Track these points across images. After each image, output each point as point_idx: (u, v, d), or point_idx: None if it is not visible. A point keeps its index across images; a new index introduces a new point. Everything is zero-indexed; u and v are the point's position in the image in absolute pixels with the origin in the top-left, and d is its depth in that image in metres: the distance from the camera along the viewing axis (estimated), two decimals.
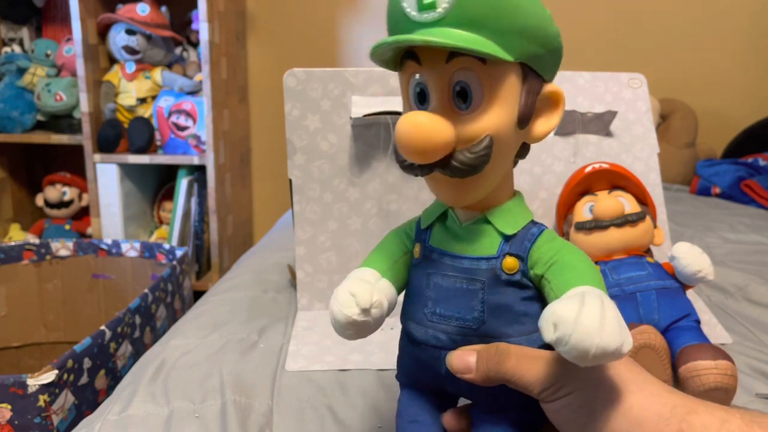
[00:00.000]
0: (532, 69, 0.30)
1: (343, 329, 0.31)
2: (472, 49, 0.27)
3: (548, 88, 0.31)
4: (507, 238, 0.31)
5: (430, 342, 0.32)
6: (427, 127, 0.28)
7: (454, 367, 0.31)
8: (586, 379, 0.29)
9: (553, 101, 0.31)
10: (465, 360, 0.31)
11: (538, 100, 0.31)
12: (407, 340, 0.34)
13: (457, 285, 0.32)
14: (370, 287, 0.31)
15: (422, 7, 0.28)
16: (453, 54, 0.28)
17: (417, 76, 0.30)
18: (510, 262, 0.31)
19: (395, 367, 0.37)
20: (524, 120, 0.30)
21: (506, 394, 0.31)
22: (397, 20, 0.29)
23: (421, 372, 0.34)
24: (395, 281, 0.34)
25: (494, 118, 0.29)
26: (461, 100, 0.29)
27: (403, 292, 0.36)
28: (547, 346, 0.32)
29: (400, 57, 0.31)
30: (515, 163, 0.34)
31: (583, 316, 0.25)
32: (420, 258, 0.34)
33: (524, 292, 0.31)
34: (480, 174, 0.30)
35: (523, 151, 0.33)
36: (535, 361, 0.30)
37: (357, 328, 0.31)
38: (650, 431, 0.27)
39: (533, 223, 0.32)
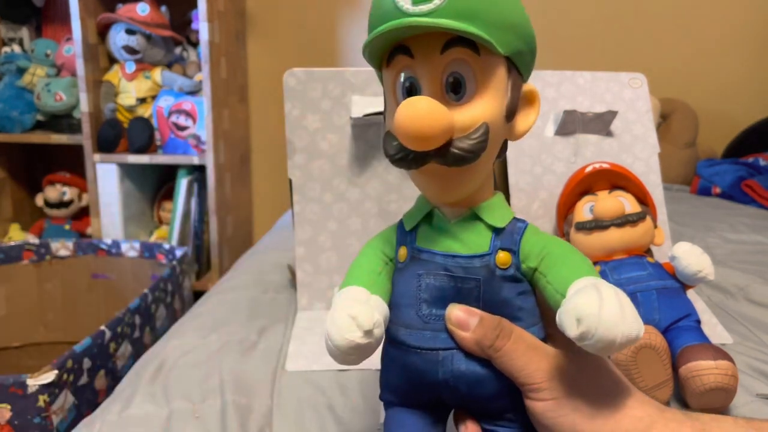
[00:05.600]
0: (515, 65, 0.31)
1: (345, 355, 0.29)
2: (478, 35, 0.27)
3: (526, 86, 0.32)
4: (497, 233, 0.31)
5: (427, 345, 0.31)
6: (430, 111, 0.27)
7: (452, 319, 0.30)
8: (573, 389, 0.29)
9: (530, 99, 0.32)
10: (466, 318, 0.30)
11: (520, 97, 0.31)
12: (397, 350, 0.32)
13: (451, 284, 0.31)
14: (367, 307, 0.30)
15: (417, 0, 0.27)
16: (447, 45, 0.28)
17: (406, 71, 0.30)
18: (503, 257, 0.31)
19: None
20: (511, 113, 0.31)
21: (505, 396, 0.31)
22: (386, 14, 0.29)
23: (414, 382, 0.32)
24: (383, 294, 0.32)
25: (487, 107, 0.29)
26: (454, 92, 0.29)
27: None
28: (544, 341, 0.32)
29: (389, 53, 0.30)
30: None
31: (605, 307, 0.26)
32: (407, 261, 0.33)
33: (519, 287, 0.31)
34: (472, 165, 0.29)
35: (502, 150, 0.33)
36: (532, 350, 0.30)
37: (360, 352, 0.29)
38: None
39: (516, 219, 0.32)
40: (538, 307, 0.32)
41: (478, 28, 0.27)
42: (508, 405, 0.31)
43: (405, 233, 0.33)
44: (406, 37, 0.29)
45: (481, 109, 0.29)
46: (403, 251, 0.33)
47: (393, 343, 0.33)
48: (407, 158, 0.29)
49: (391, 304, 0.33)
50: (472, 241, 0.31)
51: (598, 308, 0.26)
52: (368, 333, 0.29)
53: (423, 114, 0.27)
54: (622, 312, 0.26)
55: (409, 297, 0.32)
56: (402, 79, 0.30)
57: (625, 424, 0.29)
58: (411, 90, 0.30)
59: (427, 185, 0.32)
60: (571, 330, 0.26)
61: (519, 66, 0.31)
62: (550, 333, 0.32)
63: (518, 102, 0.31)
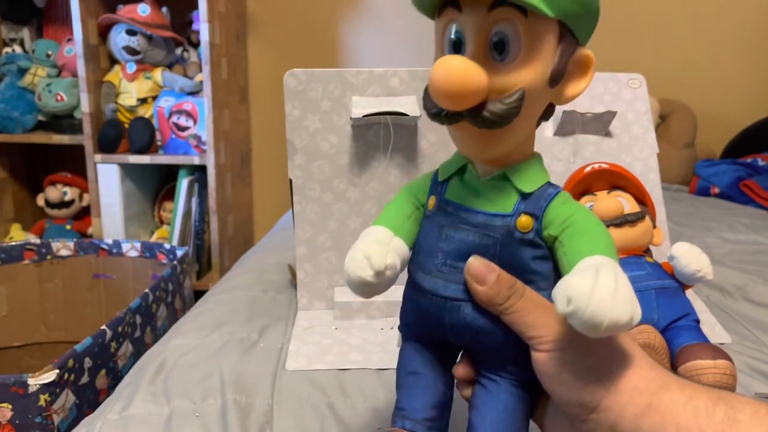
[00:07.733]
0: (569, 29, 0.30)
1: (355, 288, 0.32)
2: None
3: (581, 51, 0.31)
4: (524, 197, 0.31)
5: (438, 291, 0.32)
6: (463, 71, 0.27)
7: (471, 270, 0.31)
8: (578, 341, 0.29)
9: (584, 65, 0.31)
10: (485, 272, 0.31)
11: (570, 62, 0.31)
12: (413, 290, 0.34)
13: (470, 238, 0.32)
14: (384, 249, 0.32)
15: None
16: (496, 3, 0.28)
17: (454, 24, 0.30)
18: (524, 221, 0.31)
19: (395, 367, 0.37)
20: (556, 79, 0.30)
21: (506, 349, 0.32)
22: None
23: (423, 322, 0.34)
24: (407, 238, 0.34)
25: (529, 72, 0.29)
26: (497, 52, 0.29)
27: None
28: None
29: (440, 3, 0.30)
30: (538, 123, 0.33)
31: (598, 290, 0.26)
32: (434, 210, 0.34)
33: (536, 251, 0.31)
34: (507, 127, 0.29)
35: (547, 112, 0.33)
36: (540, 308, 0.30)
37: (370, 288, 0.32)
38: (623, 401, 0.28)
39: (549, 184, 0.32)
40: (554, 272, 0.32)
41: None
42: (509, 358, 0.32)
43: (437, 183, 0.34)
44: None
45: (521, 74, 0.29)
46: (432, 200, 0.34)
47: (410, 283, 0.35)
48: (441, 115, 0.30)
49: (414, 248, 0.34)
50: (498, 201, 0.32)
51: (590, 289, 0.26)
52: (379, 274, 0.31)
53: (455, 74, 0.27)
54: (614, 298, 0.26)
55: (430, 245, 0.33)
56: (450, 33, 0.30)
57: (633, 381, 0.29)
58: (457, 44, 0.30)
59: (462, 142, 0.32)
60: (561, 306, 0.27)
61: (574, 29, 0.30)
62: None
63: (566, 67, 0.30)
